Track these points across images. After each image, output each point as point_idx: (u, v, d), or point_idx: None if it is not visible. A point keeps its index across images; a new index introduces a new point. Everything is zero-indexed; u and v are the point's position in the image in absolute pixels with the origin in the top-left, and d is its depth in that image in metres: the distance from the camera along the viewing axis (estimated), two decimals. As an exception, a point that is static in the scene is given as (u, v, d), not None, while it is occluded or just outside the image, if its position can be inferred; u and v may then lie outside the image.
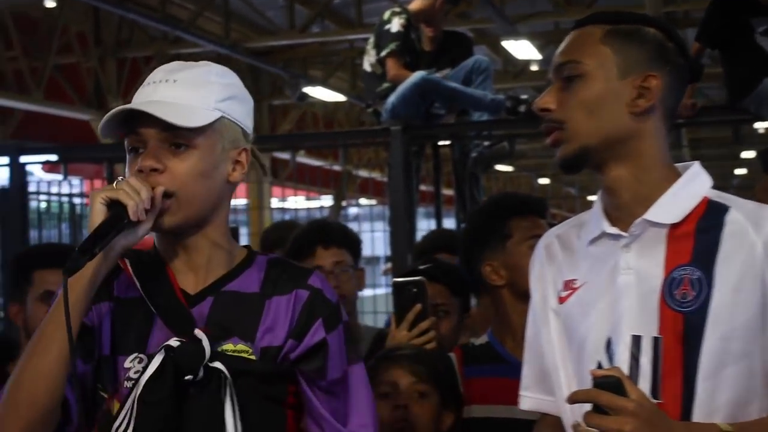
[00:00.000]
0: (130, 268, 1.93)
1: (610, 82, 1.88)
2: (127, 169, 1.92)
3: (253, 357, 1.90)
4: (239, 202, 11.71)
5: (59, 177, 6.38)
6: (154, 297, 1.90)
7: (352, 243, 3.34)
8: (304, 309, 1.95)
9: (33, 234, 6.05)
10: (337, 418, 1.97)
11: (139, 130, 1.88)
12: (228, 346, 1.90)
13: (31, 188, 6.04)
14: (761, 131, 12.62)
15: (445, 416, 2.73)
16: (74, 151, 7.35)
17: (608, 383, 1.66)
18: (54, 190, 6.54)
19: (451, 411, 2.74)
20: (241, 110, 2.00)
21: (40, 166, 7.15)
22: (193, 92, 1.92)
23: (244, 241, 4.51)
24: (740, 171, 23.61)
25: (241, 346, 1.91)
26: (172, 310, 1.89)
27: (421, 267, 3.12)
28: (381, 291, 8.21)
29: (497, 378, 2.77)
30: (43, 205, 6.61)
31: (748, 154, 18.15)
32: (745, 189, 21.77)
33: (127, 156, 1.92)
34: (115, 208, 1.79)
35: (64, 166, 6.16)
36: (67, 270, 1.73)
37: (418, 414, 2.66)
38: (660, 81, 1.89)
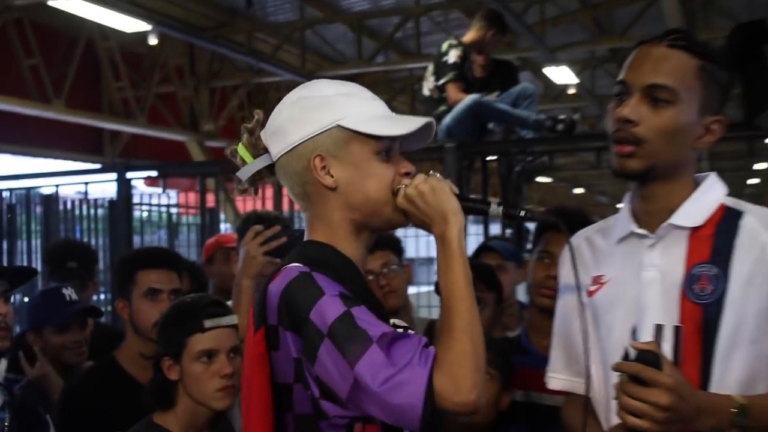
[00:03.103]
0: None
1: (692, 116, 1.81)
2: (372, 171, 1.69)
3: None
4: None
5: (159, 190, 6.46)
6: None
7: (394, 243, 3.29)
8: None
9: (136, 239, 6.12)
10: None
11: (394, 143, 1.70)
12: None
13: (135, 200, 6.11)
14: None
15: (503, 397, 2.70)
16: (172, 167, 7.43)
17: (648, 358, 1.63)
18: (154, 201, 6.63)
19: (508, 392, 2.71)
20: None
21: (143, 180, 7.24)
22: None
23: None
24: (753, 181, 23.25)
25: None
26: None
27: None
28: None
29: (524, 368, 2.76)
30: (145, 214, 6.71)
31: (761, 166, 17.84)
32: (758, 197, 21.49)
33: (376, 159, 1.69)
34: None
35: (163, 180, 6.22)
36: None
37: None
38: (722, 125, 1.85)
